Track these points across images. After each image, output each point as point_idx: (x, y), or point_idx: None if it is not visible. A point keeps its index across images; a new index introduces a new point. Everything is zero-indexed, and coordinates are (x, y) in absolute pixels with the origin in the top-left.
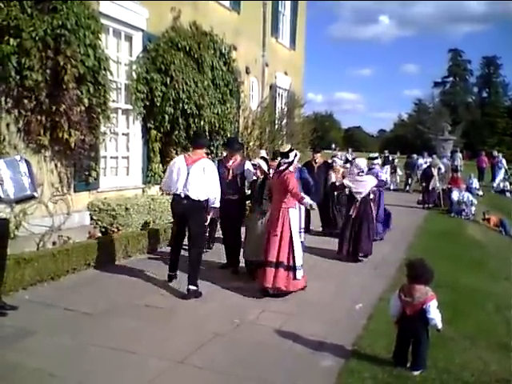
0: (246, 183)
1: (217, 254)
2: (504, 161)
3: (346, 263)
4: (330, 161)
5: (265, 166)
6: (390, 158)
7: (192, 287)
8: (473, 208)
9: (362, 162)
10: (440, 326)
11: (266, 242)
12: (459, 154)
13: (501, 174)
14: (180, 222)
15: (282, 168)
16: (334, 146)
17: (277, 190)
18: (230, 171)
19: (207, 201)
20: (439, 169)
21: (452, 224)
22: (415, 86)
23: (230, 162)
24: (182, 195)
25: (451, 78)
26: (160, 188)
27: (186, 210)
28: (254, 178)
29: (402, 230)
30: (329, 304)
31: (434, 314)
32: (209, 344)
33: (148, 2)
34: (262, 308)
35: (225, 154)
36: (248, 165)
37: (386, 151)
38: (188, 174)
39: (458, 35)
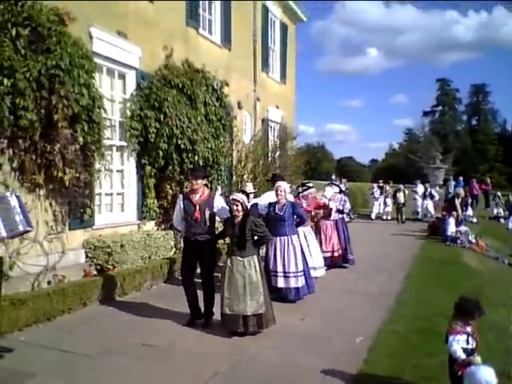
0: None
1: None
2: None
3: (344, 295)
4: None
5: (246, 202)
6: (387, 188)
7: None
8: (470, 236)
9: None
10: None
11: None
12: (452, 182)
13: None
14: None
15: None
16: (334, 176)
17: None
18: (197, 207)
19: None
20: (433, 196)
21: (448, 252)
22: (405, 116)
23: (197, 197)
24: None
25: (440, 107)
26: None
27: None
28: (229, 215)
29: (398, 260)
30: (328, 338)
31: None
32: (208, 383)
33: (141, 41)
34: (260, 344)
35: (190, 186)
36: (219, 200)
37: (381, 181)
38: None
39: (446, 64)
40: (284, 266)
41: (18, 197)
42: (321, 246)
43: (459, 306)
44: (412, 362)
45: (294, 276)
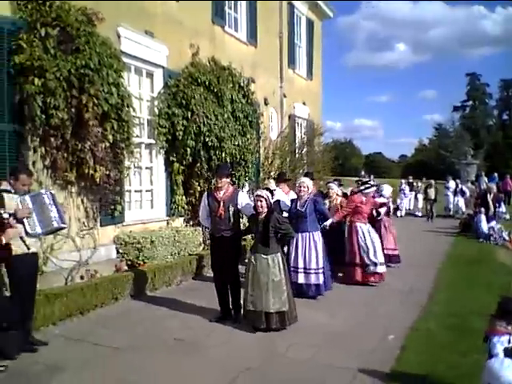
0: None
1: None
2: None
3: (373, 292)
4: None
5: (271, 199)
6: (419, 184)
7: None
8: (504, 233)
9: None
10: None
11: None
12: (484, 178)
13: None
14: None
15: None
16: (363, 172)
17: None
18: (221, 203)
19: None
20: (464, 193)
21: (480, 249)
22: (435, 111)
23: (221, 193)
24: None
25: (470, 102)
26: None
27: None
28: (254, 212)
29: (429, 257)
30: (358, 335)
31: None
32: (240, 378)
33: (167, 40)
34: (290, 341)
35: (215, 183)
36: (243, 196)
37: (410, 177)
38: None
39: (475, 58)
40: (305, 262)
41: (52, 194)
42: (387, 243)
43: (504, 306)
44: (445, 361)
45: (315, 273)
